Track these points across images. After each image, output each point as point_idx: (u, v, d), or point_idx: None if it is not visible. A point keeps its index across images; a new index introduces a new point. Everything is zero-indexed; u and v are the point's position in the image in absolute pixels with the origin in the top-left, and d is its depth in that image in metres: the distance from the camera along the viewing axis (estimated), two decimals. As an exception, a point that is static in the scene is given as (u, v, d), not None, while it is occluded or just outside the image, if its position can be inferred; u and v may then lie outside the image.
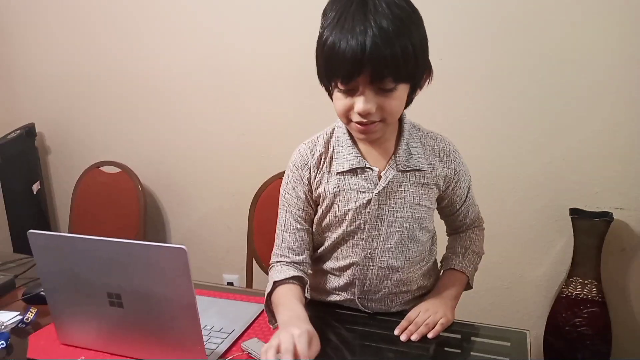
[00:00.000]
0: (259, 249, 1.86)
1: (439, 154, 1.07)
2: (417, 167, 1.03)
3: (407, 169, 1.03)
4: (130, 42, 2.26)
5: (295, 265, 1.08)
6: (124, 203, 2.23)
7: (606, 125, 1.67)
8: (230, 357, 0.92)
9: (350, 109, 0.93)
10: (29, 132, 2.40)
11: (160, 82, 2.25)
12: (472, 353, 0.98)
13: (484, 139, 1.81)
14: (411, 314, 1.03)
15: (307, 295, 1.05)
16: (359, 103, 0.91)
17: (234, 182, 2.22)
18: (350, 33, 0.86)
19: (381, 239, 1.05)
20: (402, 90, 0.93)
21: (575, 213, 1.70)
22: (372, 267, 1.07)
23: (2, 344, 0.99)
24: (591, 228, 1.67)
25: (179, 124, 2.26)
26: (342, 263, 1.09)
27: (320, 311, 1.12)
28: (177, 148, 2.29)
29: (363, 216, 1.03)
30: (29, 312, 1.09)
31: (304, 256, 1.09)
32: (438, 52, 1.64)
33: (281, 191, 1.12)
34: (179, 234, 2.39)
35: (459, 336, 1.02)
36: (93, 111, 2.41)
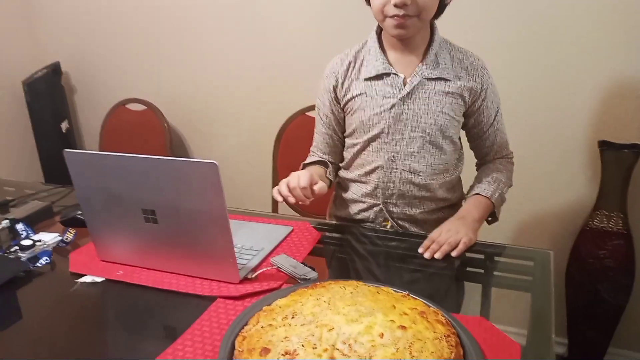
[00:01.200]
0: (283, 183, 1.88)
1: (467, 67, 1.11)
2: (443, 76, 1.09)
3: (432, 77, 1.08)
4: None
5: (322, 156, 1.24)
6: (150, 140, 2.27)
7: (637, 55, 1.61)
8: (261, 270, 0.95)
9: (387, 2, 1.01)
10: (55, 70, 2.43)
11: (185, 19, 2.22)
12: (495, 272, 1.00)
13: (516, 68, 1.77)
14: (434, 234, 1.05)
15: (331, 177, 1.22)
16: None
17: (257, 119, 2.23)
18: None
19: (404, 142, 1.12)
20: None
21: (603, 145, 1.68)
22: (395, 170, 1.14)
23: (47, 259, 1.05)
24: (619, 160, 1.65)
25: (203, 61, 2.26)
26: (367, 168, 1.17)
27: (346, 231, 1.15)
28: (201, 85, 2.29)
29: (387, 120, 1.10)
30: (67, 233, 1.15)
31: (329, 155, 1.24)
32: None
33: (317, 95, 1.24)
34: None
35: (482, 256, 1.03)
36: (118, 50, 2.41)
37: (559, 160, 1.80)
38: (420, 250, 1.02)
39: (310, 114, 1.84)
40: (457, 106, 1.11)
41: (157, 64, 2.35)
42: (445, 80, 1.09)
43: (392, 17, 1.01)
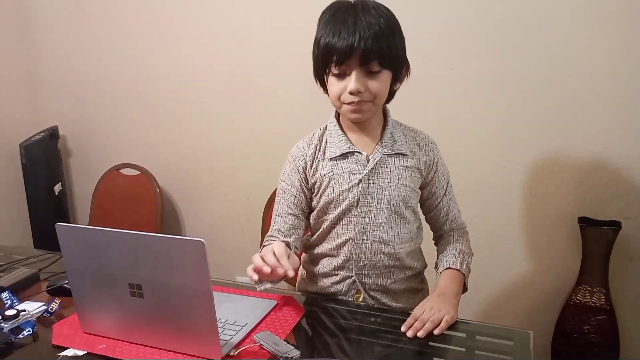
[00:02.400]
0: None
1: (419, 143, 1.22)
2: (401, 151, 1.18)
3: (392, 152, 1.18)
4: (149, 50, 2.34)
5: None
6: (142, 205, 2.30)
7: (616, 135, 1.70)
8: (243, 347, 0.96)
9: (342, 91, 1.10)
10: (52, 134, 2.49)
11: (178, 88, 2.32)
12: (476, 351, 1.01)
13: (494, 146, 1.85)
14: (416, 312, 1.07)
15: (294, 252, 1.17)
16: (351, 83, 1.08)
17: (248, 186, 2.27)
18: (343, 28, 1.06)
19: (372, 214, 1.18)
20: (386, 76, 1.11)
21: (583, 221, 1.73)
22: (366, 241, 1.19)
23: (29, 330, 1.04)
24: (599, 236, 1.69)
25: (196, 129, 2.33)
26: (339, 241, 1.21)
27: (319, 306, 1.17)
28: (194, 152, 2.36)
29: (355, 194, 1.17)
30: (53, 303, 1.15)
31: (292, 239, 1.21)
32: (449, 62, 1.69)
33: (278, 181, 1.27)
34: (194, 236, 2.44)
35: (463, 334, 1.05)
36: (114, 115, 2.49)
37: (542, 236, 1.84)
38: (403, 328, 1.03)
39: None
40: (415, 179, 1.21)
41: (152, 131, 2.42)
42: (403, 155, 1.19)
43: (349, 103, 1.11)
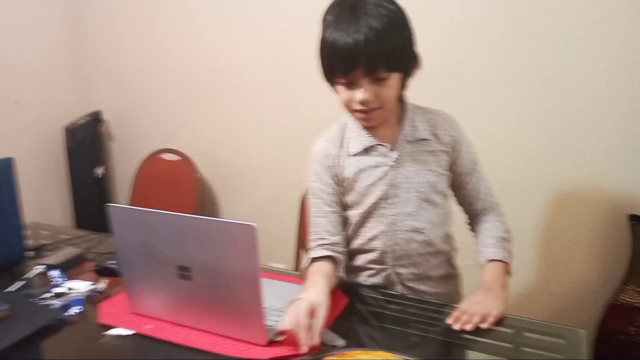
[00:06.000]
0: (308, 239, 1.90)
1: (442, 124, 1.19)
2: (424, 137, 1.16)
3: (414, 140, 1.16)
4: (194, 38, 2.36)
5: (331, 246, 1.17)
6: (181, 190, 2.33)
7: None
8: (288, 333, 0.96)
9: (352, 100, 1.08)
10: (96, 119, 2.55)
11: (221, 76, 2.33)
12: (524, 348, 0.98)
13: (540, 142, 1.79)
14: (464, 305, 1.04)
15: (342, 273, 1.16)
16: (359, 94, 1.05)
17: (286, 174, 2.28)
18: (345, 32, 1.01)
19: (402, 204, 1.16)
20: (395, 78, 1.07)
21: (634, 219, 1.66)
22: (398, 232, 1.17)
23: (80, 308, 1.07)
24: (651, 235, 1.63)
25: (237, 117, 2.34)
26: (370, 234, 1.20)
27: (362, 295, 1.17)
28: (234, 139, 2.37)
29: (383, 187, 1.16)
30: (102, 282, 1.17)
31: (339, 236, 1.20)
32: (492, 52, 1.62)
33: (308, 184, 1.25)
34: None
35: (511, 330, 1.02)
36: (156, 101, 2.52)
37: (589, 234, 1.78)
38: (449, 321, 1.01)
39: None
40: (442, 162, 1.18)
41: (194, 118, 2.44)
42: (426, 140, 1.17)
43: (358, 111, 1.09)
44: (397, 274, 1.20)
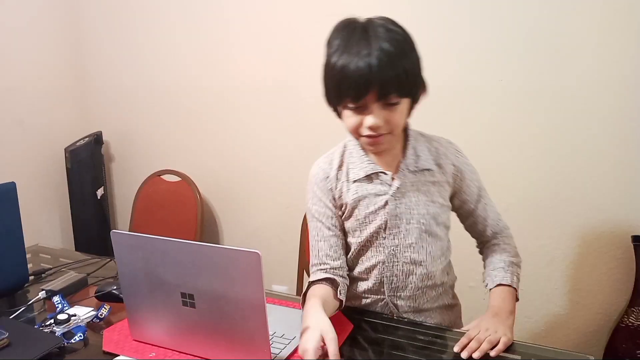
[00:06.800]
0: (310, 261, 1.88)
1: (444, 153, 1.16)
2: (426, 167, 1.13)
3: (417, 170, 1.13)
4: (193, 60, 2.37)
5: (332, 271, 1.16)
6: (182, 211, 2.32)
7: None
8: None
9: (360, 125, 1.05)
10: (96, 139, 2.55)
11: (222, 98, 2.34)
12: (532, 375, 0.97)
13: (541, 161, 1.80)
14: (471, 332, 1.03)
15: (342, 297, 1.12)
16: (369, 119, 1.03)
17: (288, 195, 2.27)
18: (357, 56, 0.98)
19: (402, 235, 1.13)
20: (405, 104, 1.05)
21: (637, 240, 1.66)
22: (397, 264, 1.14)
23: (81, 336, 1.06)
24: (655, 256, 1.62)
25: (238, 137, 2.35)
26: (368, 264, 1.17)
27: (365, 321, 1.15)
28: (235, 160, 2.37)
29: (383, 216, 1.13)
30: (102, 308, 1.16)
31: (340, 261, 1.18)
32: (500, 74, 1.64)
33: (308, 207, 1.22)
34: (233, 244, 2.46)
35: (519, 357, 1.01)
36: (157, 122, 2.53)
37: (594, 254, 1.78)
38: (456, 349, 1.00)
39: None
40: (444, 192, 1.16)
41: (195, 139, 2.45)
42: (429, 170, 1.14)
43: (366, 136, 1.06)
44: (394, 304, 1.18)
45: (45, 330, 1.08)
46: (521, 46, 1.77)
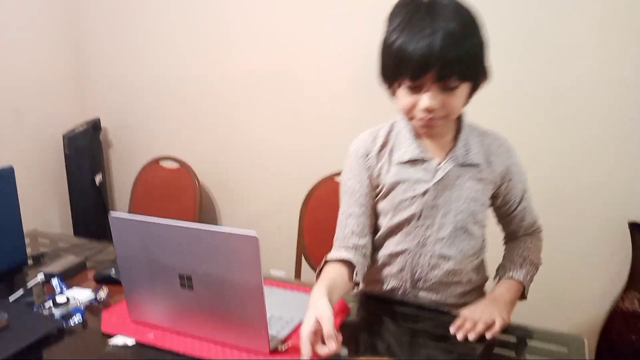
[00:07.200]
0: (308, 247, 1.89)
1: (496, 150, 1.11)
2: (475, 162, 1.08)
3: (464, 163, 1.08)
4: (193, 45, 2.36)
5: (355, 249, 1.12)
6: (180, 197, 2.32)
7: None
8: (290, 342, 0.95)
9: (414, 105, 1.00)
10: (95, 126, 2.54)
11: (220, 85, 2.33)
12: (527, 356, 0.98)
13: (542, 149, 1.80)
14: (466, 313, 1.03)
15: (359, 278, 1.08)
16: (425, 100, 0.98)
17: (286, 183, 2.27)
18: (419, 35, 0.93)
19: (435, 227, 1.10)
20: (464, 88, 1.00)
21: (634, 226, 1.66)
22: (424, 255, 1.11)
23: (80, 318, 1.06)
24: (651, 242, 1.63)
25: (236, 124, 2.34)
26: (394, 249, 1.14)
27: (368, 304, 1.15)
28: (234, 147, 2.37)
29: (419, 205, 1.08)
30: (101, 291, 1.17)
31: (367, 239, 1.14)
32: (500, 74, 1.63)
33: (343, 179, 1.17)
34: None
35: (514, 338, 1.02)
36: (155, 109, 2.52)
37: (590, 239, 1.79)
38: (452, 329, 1.00)
39: (337, 179, 1.87)
40: (487, 191, 1.11)
41: (193, 126, 2.44)
42: (477, 166, 1.09)
43: (420, 119, 1.02)
44: (415, 296, 1.15)
45: (44, 313, 1.08)
46: (521, 46, 1.76)
